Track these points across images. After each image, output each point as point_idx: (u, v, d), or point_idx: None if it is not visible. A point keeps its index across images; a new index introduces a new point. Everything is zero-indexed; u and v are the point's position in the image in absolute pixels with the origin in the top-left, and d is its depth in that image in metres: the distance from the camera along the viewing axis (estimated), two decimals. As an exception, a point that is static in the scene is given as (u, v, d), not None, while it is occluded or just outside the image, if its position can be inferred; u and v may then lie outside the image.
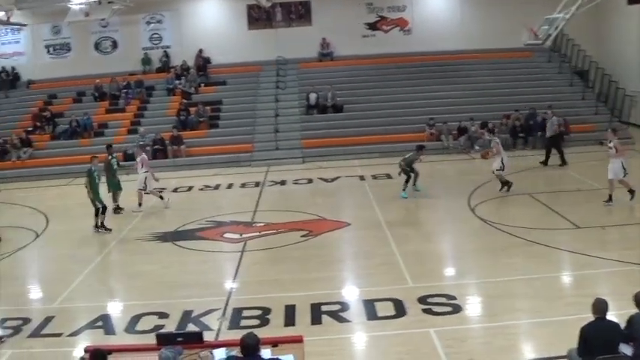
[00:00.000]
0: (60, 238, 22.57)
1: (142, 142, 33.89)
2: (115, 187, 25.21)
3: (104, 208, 22.71)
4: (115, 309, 15.87)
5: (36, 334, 14.51)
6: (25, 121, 38.23)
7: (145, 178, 25.30)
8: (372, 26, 40.98)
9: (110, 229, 22.51)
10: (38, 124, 37.52)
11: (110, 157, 25.30)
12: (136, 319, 14.71)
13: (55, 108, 38.77)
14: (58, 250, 21.32)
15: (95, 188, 22.67)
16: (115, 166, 25.31)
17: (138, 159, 25.73)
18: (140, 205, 25.23)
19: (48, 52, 42.41)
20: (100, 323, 14.78)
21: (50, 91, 40.63)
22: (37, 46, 42.42)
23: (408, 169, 24.69)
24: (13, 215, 25.57)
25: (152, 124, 36.01)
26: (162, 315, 14.73)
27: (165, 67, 40.96)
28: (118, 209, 25.06)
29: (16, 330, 14.74)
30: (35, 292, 18.19)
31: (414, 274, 16.33)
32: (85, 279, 17.96)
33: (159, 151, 34.02)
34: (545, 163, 28.86)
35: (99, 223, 22.58)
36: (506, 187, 24.29)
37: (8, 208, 26.83)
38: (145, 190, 25.35)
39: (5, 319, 15.36)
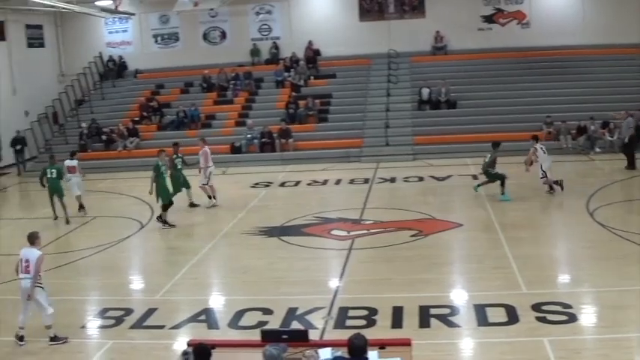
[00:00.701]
0: (164, 229, 23.02)
1: (249, 135, 34.40)
2: (184, 185, 25.27)
3: (169, 204, 23.12)
4: (219, 303, 16.10)
5: (138, 325, 14.84)
6: (132, 111, 39.22)
7: (210, 172, 25.57)
8: (488, 19, 40.39)
9: (174, 225, 22.96)
10: (145, 114, 38.42)
11: (175, 155, 25.43)
12: (240, 314, 14.85)
13: (162, 98, 39.67)
14: (162, 242, 21.83)
15: (163, 183, 23.10)
16: (180, 166, 25.28)
17: (200, 152, 25.79)
18: (213, 197, 25.58)
19: (156, 41, 43.35)
20: (203, 317, 15.00)
21: (157, 81, 41.57)
22: (144, 36, 43.46)
23: (493, 171, 24.29)
24: (119, 205, 26.22)
25: (260, 117, 36.44)
26: (267, 311, 14.82)
27: (274, 58, 41.30)
28: (192, 205, 25.51)
29: (118, 320, 15.12)
30: (138, 283, 18.67)
31: (528, 280, 15.97)
32: (188, 271, 18.28)
33: (266, 144, 34.39)
34: (631, 166, 28.12)
35: (165, 219, 23.04)
36: (552, 189, 24.38)
37: (114, 198, 27.52)
38: (207, 183, 25.62)
39: (107, 309, 15.82)
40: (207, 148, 25.93)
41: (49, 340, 14.20)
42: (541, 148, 24.73)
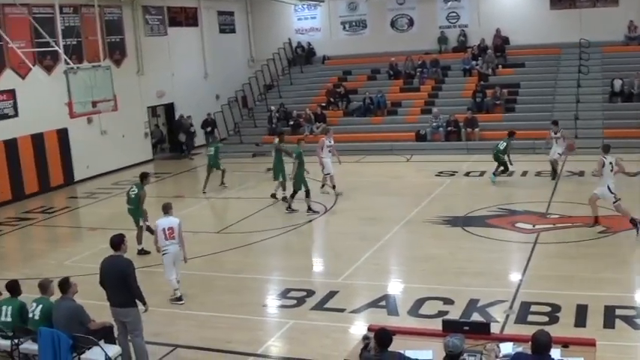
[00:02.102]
0: (348, 214, 23.40)
1: (435, 124, 34.25)
2: (283, 176, 25.64)
3: (301, 191, 23.59)
4: (399, 290, 16.19)
5: (319, 307, 15.20)
6: (319, 97, 39.86)
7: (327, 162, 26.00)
8: (687, 7, 38.45)
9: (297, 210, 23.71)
10: (332, 99, 38.93)
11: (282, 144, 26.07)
12: (420, 302, 14.89)
13: (349, 84, 40.07)
14: (345, 226, 22.08)
15: (300, 171, 23.56)
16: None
17: (323, 142, 26.31)
18: (334, 187, 25.87)
19: (344, 28, 43.80)
20: (383, 303, 15.16)
21: (345, 68, 42.04)
22: (333, 23, 44.01)
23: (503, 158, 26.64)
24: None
25: (446, 105, 36.22)
26: (447, 301, 14.80)
27: (461, 46, 40.88)
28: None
29: (300, 301, 15.57)
30: (320, 266, 19.17)
31: None
32: (370, 257, 18.48)
33: (452, 133, 34.11)
34: None
35: (290, 204, 23.88)
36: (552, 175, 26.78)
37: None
38: (328, 173, 26.02)
39: (289, 290, 16.30)
40: (324, 139, 26.72)
41: (173, 298, 15.75)
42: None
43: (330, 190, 25.90)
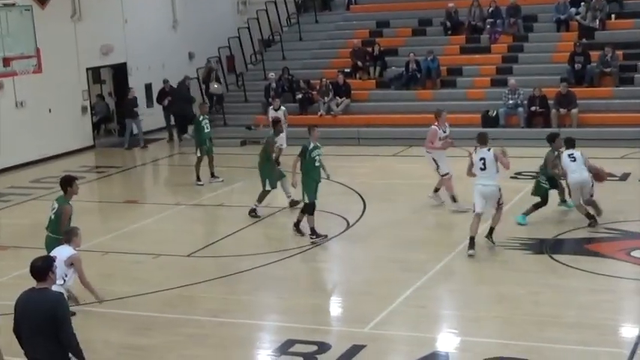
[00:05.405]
0: (381, 231, 23.39)
1: (511, 101, 34.09)
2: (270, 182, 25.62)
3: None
4: (456, 345, 16.06)
5: (337, 367, 15.14)
6: (340, 59, 39.90)
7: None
8: None
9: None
10: (360, 64, 38.84)
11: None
12: (493, 365, 14.90)
13: (385, 42, 40.11)
14: (376, 250, 22.03)
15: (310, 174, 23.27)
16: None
17: (435, 131, 25.63)
18: (454, 198, 25.36)
19: (382, -45, 43.80)
20: (430, 364, 15.12)
21: (380, 17, 42.26)
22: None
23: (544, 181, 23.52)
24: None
25: (528, 75, 36.24)
26: (527, 365, 14.78)
27: (555, -14, 40.81)
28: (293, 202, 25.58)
29: (308, 358, 15.42)
30: (339, 308, 19.07)
31: None
32: (413, 296, 18.34)
33: (537, 114, 33.93)
34: None
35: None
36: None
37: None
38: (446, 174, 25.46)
39: (293, 342, 16.13)
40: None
41: None
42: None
43: (449, 203, 25.37)
